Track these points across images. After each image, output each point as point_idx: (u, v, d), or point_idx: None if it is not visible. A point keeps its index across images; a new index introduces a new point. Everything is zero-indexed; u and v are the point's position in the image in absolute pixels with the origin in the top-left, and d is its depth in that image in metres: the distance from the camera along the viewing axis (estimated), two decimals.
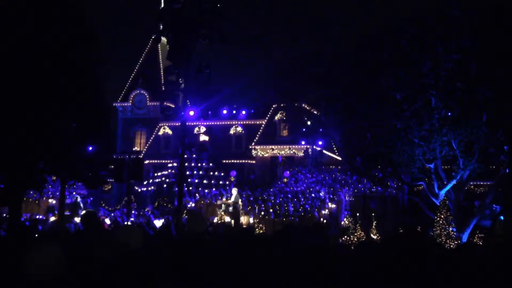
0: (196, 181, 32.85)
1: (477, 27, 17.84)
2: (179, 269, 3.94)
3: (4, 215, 20.40)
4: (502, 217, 21.16)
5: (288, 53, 34.34)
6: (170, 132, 41.69)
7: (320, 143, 36.40)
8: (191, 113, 15.76)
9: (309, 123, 34.51)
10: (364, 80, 19.84)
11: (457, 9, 18.02)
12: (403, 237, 3.28)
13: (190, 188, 30.82)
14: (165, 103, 15.75)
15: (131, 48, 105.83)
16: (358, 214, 24.16)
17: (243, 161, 39.15)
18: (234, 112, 41.28)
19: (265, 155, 38.32)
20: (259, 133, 38.74)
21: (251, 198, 27.54)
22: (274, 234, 5.04)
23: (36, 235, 15.67)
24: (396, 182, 22.46)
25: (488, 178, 22.67)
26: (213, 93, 37.78)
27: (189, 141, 32.14)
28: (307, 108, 36.71)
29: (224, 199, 26.27)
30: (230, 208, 24.03)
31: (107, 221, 22.91)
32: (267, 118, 39.04)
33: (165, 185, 33.45)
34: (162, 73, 38.88)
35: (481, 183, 26.76)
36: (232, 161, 38.79)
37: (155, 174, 36.34)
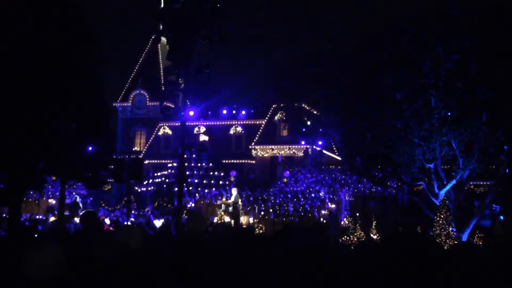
0: (196, 181, 32.85)
1: (477, 27, 17.84)
2: (179, 269, 3.94)
3: (4, 215, 20.40)
4: (501, 217, 21.16)
5: (288, 53, 34.35)
6: (170, 132, 41.70)
7: (320, 143, 36.41)
8: (191, 113, 15.76)
9: (309, 123, 34.49)
10: (364, 80, 19.83)
11: (457, 9, 18.01)
12: (403, 237, 3.28)
13: (190, 188, 30.84)
14: (165, 103, 15.71)
15: (131, 48, 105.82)
16: (358, 214, 24.17)
17: (243, 161, 39.16)
18: (234, 112, 41.29)
19: (265, 155, 38.33)
20: (259, 133, 38.74)
21: (251, 198, 27.55)
22: (274, 234, 5.04)
23: (36, 235, 15.68)
24: (396, 182, 22.47)
25: (488, 178, 22.68)
26: (213, 93, 37.81)
27: (189, 141, 32.19)
28: (307, 108, 36.69)
29: (224, 199, 26.28)
30: (230, 208, 24.04)
31: (107, 221, 22.92)
32: (267, 118, 39.04)
33: (165, 185, 33.45)
34: (162, 73, 38.81)
35: (481, 183, 26.77)
36: (232, 161, 38.79)
37: (155, 174, 36.34)
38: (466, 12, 18.25)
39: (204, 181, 33.15)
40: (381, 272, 3.15)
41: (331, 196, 27.61)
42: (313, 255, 3.94)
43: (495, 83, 17.15)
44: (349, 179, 30.05)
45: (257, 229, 22.42)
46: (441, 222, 18.22)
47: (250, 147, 38.67)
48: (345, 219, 24.66)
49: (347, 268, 3.69)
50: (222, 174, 34.39)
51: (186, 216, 17.53)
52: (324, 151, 38.79)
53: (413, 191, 24.78)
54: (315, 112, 35.20)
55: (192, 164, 34.08)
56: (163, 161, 38.80)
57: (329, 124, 27.83)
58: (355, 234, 21.35)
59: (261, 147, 38.29)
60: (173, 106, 15.54)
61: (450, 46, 17.51)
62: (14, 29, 15.32)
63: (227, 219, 24.12)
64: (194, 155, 34.33)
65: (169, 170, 35.17)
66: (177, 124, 31.85)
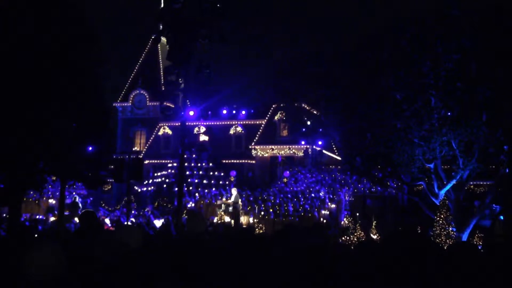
0: (196, 181, 32.86)
1: (477, 27, 17.83)
2: (179, 269, 3.94)
3: (4, 215, 20.41)
4: (501, 217, 21.16)
5: (288, 53, 34.37)
6: (170, 132, 41.70)
7: (320, 143, 36.42)
8: (191, 113, 15.78)
9: (309, 123, 34.52)
10: (364, 80, 19.82)
11: (457, 9, 18.00)
12: (403, 237, 3.28)
13: (190, 188, 30.84)
14: (165, 103, 15.72)
15: (131, 48, 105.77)
16: (357, 214, 24.17)
17: (243, 161, 39.16)
18: (234, 112, 41.29)
19: (265, 155, 38.33)
20: (259, 133, 38.74)
21: (251, 198, 27.55)
22: (274, 234, 5.05)
23: (36, 235, 15.69)
24: (396, 182, 22.46)
25: (488, 178, 22.69)
26: (213, 93, 37.88)
27: (189, 141, 32.20)
28: (307, 108, 36.70)
29: (224, 199, 26.29)
30: (230, 208, 24.05)
31: (107, 221, 22.93)
32: (267, 118, 39.05)
33: (165, 185, 33.45)
34: (162, 73, 38.88)
35: (481, 183, 26.77)
36: (232, 161, 38.79)
37: (155, 174, 36.34)
38: (466, 12, 18.24)
39: (204, 181, 33.16)
40: (381, 272, 3.16)
41: (331, 196, 27.62)
42: (313, 255, 3.94)
43: (495, 83, 17.15)
44: (349, 179, 30.06)
45: (257, 229, 22.42)
46: (441, 222, 18.22)
47: (250, 147, 38.68)
48: (345, 219, 24.66)
49: (347, 268, 3.69)
50: (222, 174, 34.40)
51: (186, 216, 17.53)
52: (324, 151, 38.80)
53: (413, 191, 24.79)
54: (315, 112, 35.22)
55: (192, 164, 34.09)
56: (163, 161, 38.81)
57: (329, 124, 27.85)
58: (355, 234, 21.36)
59: (261, 147, 38.30)
60: (173, 106, 15.55)
61: (450, 46, 17.51)
62: (14, 29, 15.32)
63: (227, 219, 24.13)
64: (194, 155, 34.36)
65: (169, 170, 35.18)
66: (177, 124, 31.86)
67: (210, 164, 35.09)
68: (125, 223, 19.41)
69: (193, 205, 27.92)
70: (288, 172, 32.69)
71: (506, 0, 18.34)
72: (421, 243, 3.23)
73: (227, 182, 32.61)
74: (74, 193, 28.76)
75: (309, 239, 4.31)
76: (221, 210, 25.05)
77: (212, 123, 40.05)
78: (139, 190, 33.59)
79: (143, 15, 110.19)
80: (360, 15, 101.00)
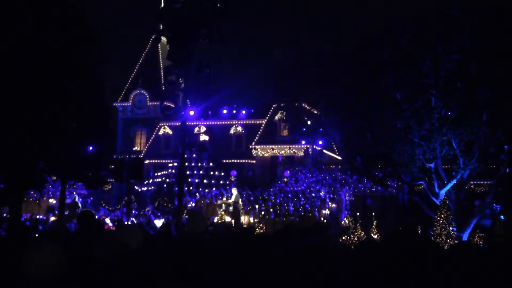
0: (197, 180, 32.87)
1: (477, 27, 17.82)
2: (179, 269, 3.94)
3: (5, 215, 20.42)
4: (502, 217, 21.15)
5: (288, 53, 34.43)
6: (170, 132, 41.71)
7: (320, 142, 36.44)
8: (191, 113, 15.77)
9: (309, 122, 34.53)
10: (364, 80, 19.82)
11: (457, 9, 18.00)
12: (403, 237, 3.28)
13: (191, 187, 30.84)
14: (165, 103, 15.71)
15: (131, 48, 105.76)
16: (358, 214, 24.17)
17: (243, 160, 39.17)
18: (234, 112, 41.30)
19: (265, 154, 38.33)
20: (259, 132, 38.74)
21: (252, 198, 27.55)
22: (274, 234, 5.05)
23: (37, 235, 15.69)
24: (396, 181, 22.46)
25: (488, 177, 22.67)
26: (213, 93, 37.84)
27: (189, 141, 32.16)
28: (307, 108, 36.73)
29: (224, 199, 26.30)
30: (231, 208, 24.05)
31: (108, 221, 22.92)
32: (267, 117, 39.05)
33: (165, 185, 33.47)
34: (162, 73, 38.87)
35: (482, 182, 26.76)
36: (232, 160, 38.80)
37: (155, 174, 36.36)
38: (466, 12, 18.23)
39: (205, 181, 33.17)
40: (381, 272, 3.15)
41: (332, 196, 27.61)
42: (313, 255, 3.94)
43: (495, 83, 17.14)
44: (350, 178, 30.07)
45: (257, 229, 22.42)
46: (441, 221, 18.21)
47: (250, 146, 38.69)
48: (345, 219, 24.65)
49: (347, 268, 3.68)
50: (222, 174, 34.42)
51: (186, 216, 17.53)
52: (324, 151, 38.81)
53: (413, 191, 24.77)
54: (315, 112, 35.25)
55: (193, 164, 34.10)
56: (164, 161, 38.83)
57: (329, 124, 27.87)
58: (356, 233, 21.35)
59: (262, 146, 38.30)
60: (173, 106, 15.54)
61: (450, 46, 17.50)
62: (14, 29, 15.32)
63: (227, 218, 24.14)
64: (194, 155, 34.33)
65: (170, 170, 35.19)
66: (177, 124, 31.86)
67: (211, 164, 35.11)
68: (126, 223, 19.42)
69: (193, 205, 27.92)
70: (288, 171, 32.71)
71: (506, 0, 18.34)
72: (422, 243, 3.23)
73: (227, 182, 32.63)
74: (74, 193, 28.77)
75: (310, 239, 4.32)
76: (221, 210, 25.05)
77: (213, 123, 40.06)
78: (140, 190, 33.61)
79: (143, 15, 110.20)
80: (360, 15, 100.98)
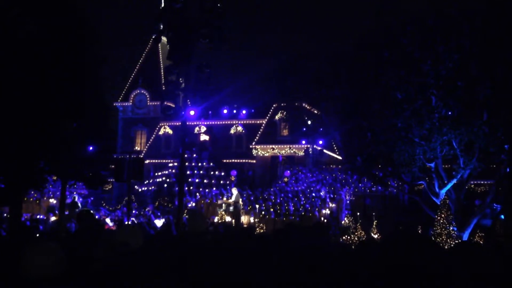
0: (197, 180, 32.88)
1: (477, 27, 17.81)
2: (179, 269, 3.94)
3: (5, 215, 20.41)
4: (502, 217, 21.15)
5: (288, 53, 34.42)
6: (170, 131, 41.72)
7: (320, 142, 36.43)
8: (192, 112, 15.76)
9: (309, 122, 34.52)
10: (365, 80, 19.82)
11: (457, 9, 18.00)
12: (403, 237, 3.27)
13: (191, 187, 30.85)
14: (165, 103, 15.69)
15: (131, 48, 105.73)
16: (358, 214, 24.17)
17: (244, 160, 39.17)
18: (235, 111, 41.31)
19: (265, 154, 38.33)
20: (259, 132, 38.74)
21: (252, 198, 27.55)
22: (274, 234, 5.05)
23: (38, 235, 15.69)
24: (396, 181, 22.46)
25: (488, 177, 22.68)
26: (213, 92, 37.83)
27: (189, 140, 32.19)
28: (308, 107, 36.73)
29: (224, 199, 26.31)
30: (231, 208, 24.06)
31: (108, 220, 22.92)
32: (267, 117, 39.05)
33: (165, 185, 33.47)
34: (162, 73, 38.88)
35: (482, 182, 26.78)
36: (233, 160, 38.80)
37: (156, 174, 36.36)
38: (466, 12, 18.22)
39: (205, 181, 33.19)
40: (381, 272, 3.15)
41: (332, 196, 27.61)
42: (313, 254, 3.94)
43: (495, 82, 17.14)
44: (350, 178, 30.08)
45: (257, 229, 22.42)
46: (442, 221, 18.20)
47: (250, 146, 38.69)
48: (345, 219, 24.65)
49: (347, 268, 3.68)
50: (222, 173, 34.42)
51: (187, 216, 17.54)
52: (324, 151, 38.81)
53: (413, 191, 24.76)
54: (315, 112, 35.23)
55: (193, 164, 34.12)
56: (164, 161, 38.83)
57: (330, 123, 27.85)
58: (356, 233, 21.35)
59: (262, 146, 38.30)
60: (173, 106, 15.53)
61: (450, 46, 17.50)
62: (14, 29, 15.31)
63: (228, 218, 24.14)
64: (194, 155, 34.40)
65: (170, 170, 35.20)
66: (177, 123, 31.89)
67: (211, 164, 35.12)
68: (126, 223, 19.43)
69: (193, 204, 27.92)
70: (288, 171, 32.72)
71: (506, 0, 18.32)
72: (422, 243, 3.23)
73: (227, 182, 32.63)
74: (74, 192, 28.77)
75: (310, 238, 4.32)
76: (221, 209, 25.06)
77: (213, 122, 40.06)
78: (140, 189, 33.62)
79: (143, 15, 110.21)
80: (360, 15, 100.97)
